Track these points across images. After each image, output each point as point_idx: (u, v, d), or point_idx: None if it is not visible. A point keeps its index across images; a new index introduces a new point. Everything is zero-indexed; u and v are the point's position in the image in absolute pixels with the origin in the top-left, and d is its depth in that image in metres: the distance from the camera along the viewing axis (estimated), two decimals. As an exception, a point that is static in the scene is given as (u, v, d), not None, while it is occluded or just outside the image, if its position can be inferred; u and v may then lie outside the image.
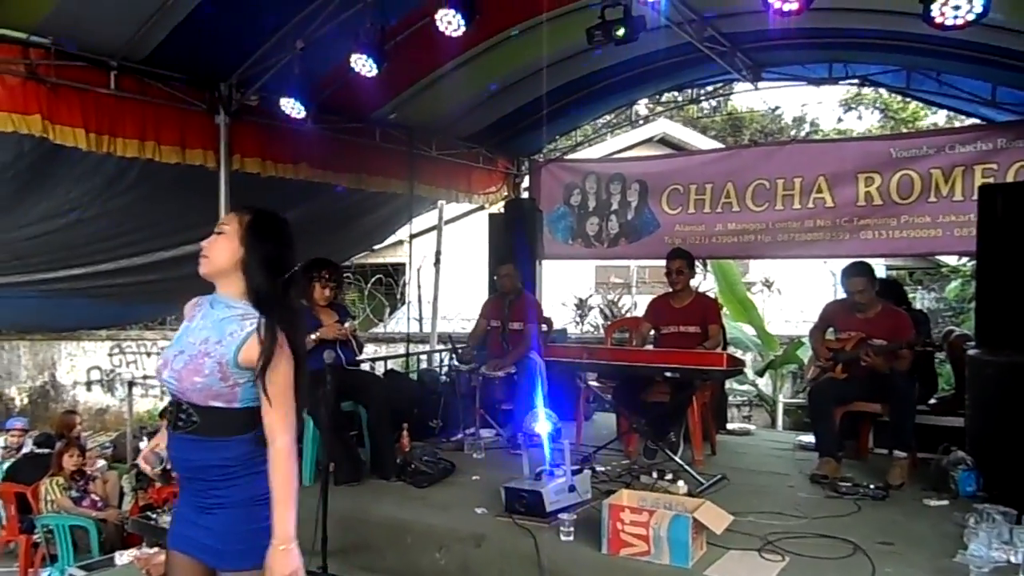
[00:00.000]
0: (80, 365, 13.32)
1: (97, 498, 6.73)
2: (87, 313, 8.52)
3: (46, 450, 7.37)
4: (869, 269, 4.93)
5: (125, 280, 6.78)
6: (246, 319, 2.23)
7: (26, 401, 13.41)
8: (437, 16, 4.56)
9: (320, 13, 4.78)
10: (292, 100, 5.15)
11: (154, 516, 5.29)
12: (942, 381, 6.43)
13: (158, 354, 9.99)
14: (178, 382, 2.24)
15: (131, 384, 9.42)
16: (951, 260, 11.48)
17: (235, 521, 2.25)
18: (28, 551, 6.40)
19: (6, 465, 7.45)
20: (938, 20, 3.76)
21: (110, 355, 13.24)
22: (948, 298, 11.69)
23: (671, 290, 5.64)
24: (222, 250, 2.27)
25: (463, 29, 4.60)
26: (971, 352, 4.72)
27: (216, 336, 2.23)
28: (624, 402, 5.34)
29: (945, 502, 4.23)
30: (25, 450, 7.93)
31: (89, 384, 13.20)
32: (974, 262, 6.89)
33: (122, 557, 4.77)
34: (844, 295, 5.05)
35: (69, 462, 6.65)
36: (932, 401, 5.79)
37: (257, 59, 5.14)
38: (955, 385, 5.98)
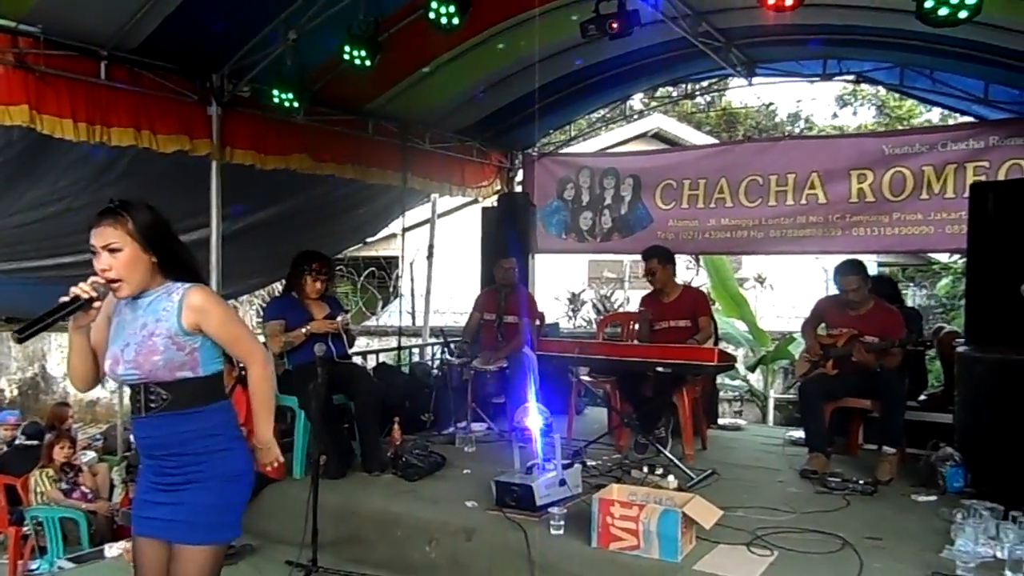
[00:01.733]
0: (70, 356, 13.26)
1: (87, 490, 6.71)
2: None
3: (36, 442, 7.33)
4: (862, 267, 4.94)
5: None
6: (171, 292, 2.34)
7: (16, 393, 13.36)
8: (431, 9, 4.53)
9: (313, 4, 4.75)
10: (284, 92, 5.12)
11: (144, 508, 5.28)
12: (932, 377, 6.46)
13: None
14: (138, 369, 2.30)
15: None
16: (942, 257, 11.53)
17: (208, 494, 2.33)
18: (17, 543, 6.37)
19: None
20: (931, 17, 3.76)
21: (101, 346, 13.18)
22: (939, 295, 11.76)
23: (654, 288, 5.66)
24: (133, 268, 2.29)
25: (457, 22, 4.58)
26: (961, 349, 4.74)
27: (153, 316, 2.32)
28: (627, 397, 5.34)
29: (933, 498, 4.25)
30: (16, 443, 7.88)
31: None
32: (965, 259, 6.92)
33: (112, 549, 4.76)
34: (836, 291, 5.07)
35: (59, 454, 6.62)
36: (922, 397, 5.82)
37: (250, 50, 5.10)
38: (945, 382, 6.01)
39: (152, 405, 2.31)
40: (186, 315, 2.30)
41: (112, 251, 2.27)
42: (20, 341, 2.23)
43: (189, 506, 2.32)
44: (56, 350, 13.29)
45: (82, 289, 2.24)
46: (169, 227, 2.38)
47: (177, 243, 2.41)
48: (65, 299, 2.23)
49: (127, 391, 2.44)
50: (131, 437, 8.06)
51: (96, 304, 2.28)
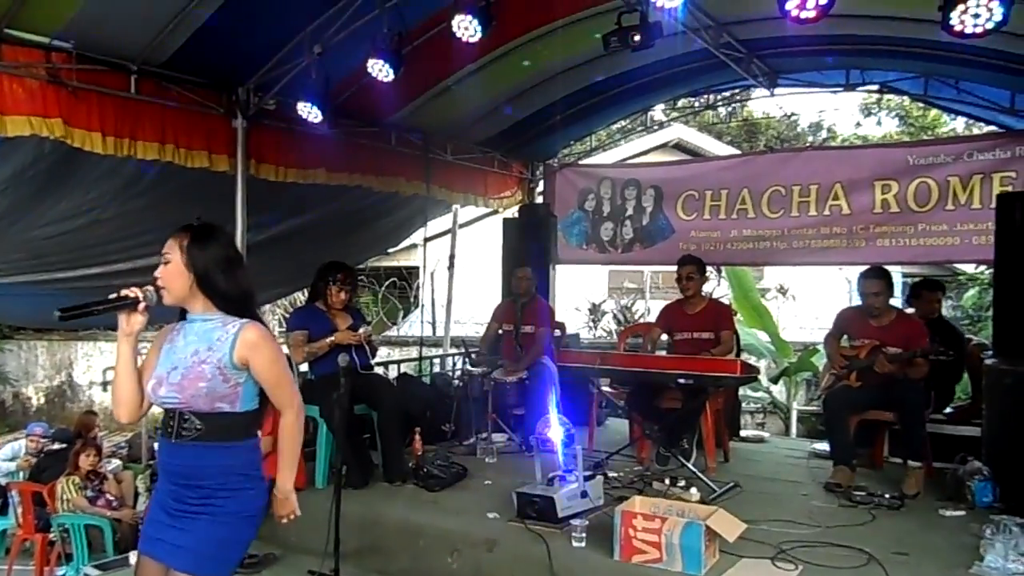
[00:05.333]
0: (96, 365, 13.43)
1: (112, 498, 6.78)
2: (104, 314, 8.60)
3: (66, 445, 7.45)
4: (887, 275, 4.90)
5: (140, 280, 6.81)
6: (227, 324, 2.37)
7: (43, 400, 13.55)
8: (454, 22, 4.57)
9: (338, 19, 4.81)
10: (309, 104, 5.17)
11: (168, 516, 5.33)
12: (959, 390, 6.37)
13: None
14: (180, 393, 2.32)
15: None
16: (968, 268, 11.38)
17: (221, 528, 2.34)
18: (44, 550, 6.45)
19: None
20: (957, 28, 3.73)
21: (127, 355, 13.33)
22: (965, 306, 11.59)
23: (684, 296, 5.63)
24: (174, 279, 2.38)
25: (479, 35, 4.61)
26: (989, 361, 4.68)
27: (206, 344, 2.35)
28: (638, 408, 5.33)
29: (961, 512, 4.20)
30: (47, 449, 7.96)
31: (105, 384, 13.30)
32: (992, 270, 6.83)
33: (136, 557, 4.80)
34: (858, 303, 5.02)
35: (85, 462, 6.71)
36: (948, 410, 5.75)
37: (275, 64, 5.17)
38: (972, 394, 5.93)
39: (184, 432, 2.33)
40: (239, 349, 2.33)
41: (165, 260, 2.39)
42: (63, 319, 2.28)
43: (199, 537, 2.32)
44: (82, 359, 13.47)
45: (131, 290, 2.34)
46: (225, 258, 2.41)
47: (226, 276, 2.39)
48: (114, 295, 2.33)
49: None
50: (154, 445, 8.18)
51: (141, 307, 2.34)
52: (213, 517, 2.33)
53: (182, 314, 2.45)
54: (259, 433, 2.54)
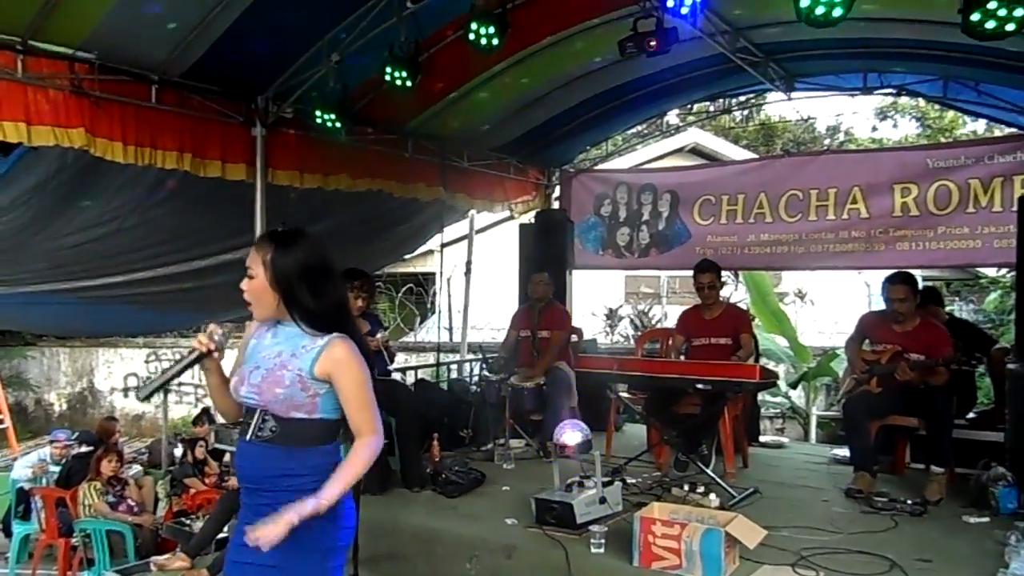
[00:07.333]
0: (117, 372, 13.57)
1: (133, 503, 6.85)
2: (125, 320, 8.69)
3: (92, 447, 7.53)
4: (913, 280, 4.87)
5: (162, 288, 6.90)
6: (317, 335, 2.27)
7: (65, 407, 13.70)
8: (470, 30, 4.59)
9: (355, 27, 4.85)
10: (327, 112, 5.22)
11: (188, 522, 5.39)
12: (981, 395, 6.31)
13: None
14: (259, 395, 2.26)
15: (166, 391, 9.56)
16: (990, 271, 11.26)
17: (298, 537, 2.14)
18: (67, 554, 6.53)
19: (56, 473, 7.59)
20: (978, 30, 3.70)
21: (146, 362, 13.47)
22: (987, 310, 11.47)
23: (702, 302, 5.62)
24: (260, 297, 2.27)
25: (496, 42, 4.63)
26: (1011, 366, 4.63)
27: (290, 350, 2.27)
28: (655, 414, 5.32)
29: (985, 519, 4.15)
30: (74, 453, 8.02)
31: (126, 391, 13.44)
32: (1014, 273, 6.76)
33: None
34: (879, 306, 4.98)
35: (107, 467, 6.78)
36: (971, 415, 5.69)
37: (293, 72, 5.22)
38: (995, 399, 5.86)
39: (261, 433, 2.25)
40: (323, 362, 2.22)
41: (249, 275, 2.29)
42: (144, 400, 2.34)
43: (281, 549, 2.10)
44: (103, 365, 13.62)
45: (199, 342, 2.29)
46: (311, 270, 2.25)
47: (313, 292, 2.24)
48: (186, 360, 2.31)
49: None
50: (175, 451, 8.26)
51: (215, 355, 2.31)
52: (295, 529, 2.12)
53: None
54: (339, 441, 2.38)
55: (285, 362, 2.25)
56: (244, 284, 2.30)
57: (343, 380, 2.24)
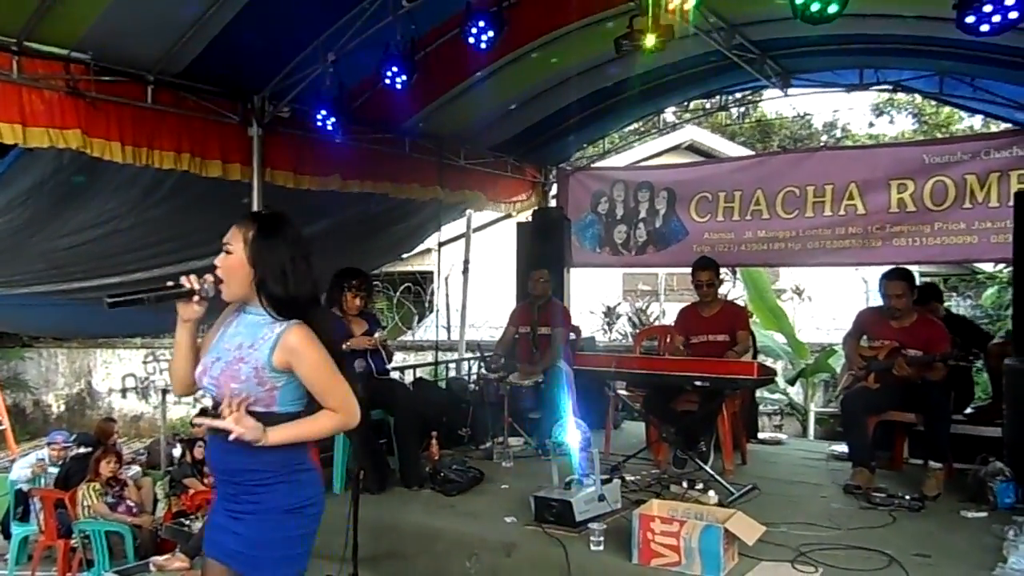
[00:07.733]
0: (115, 372, 13.57)
1: (132, 504, 6.85)
2: (122, 321, 8.68)
3: (90, 449, 7.52)
4: (910, 276, 4.87)
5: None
6: (276, 322, 2.25)
7: (63, 408, 13.69)
8: (466, 28, 4.59)
9: (351, 26, 4.84)
10: (323, 112, 5.21)
11: (187, 522, 5.39)
12: (979, 390, 6.32)
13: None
14: (217, 388, 2.27)
15: (165, 391, 9.57)
16: (987, 266, 11.28)
17: (266, 528, 2.27)
18: (66, 556, 6.52)
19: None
20: (972, 26, 3.71)
21: (144, 363, 13.48)
22: (984, 305, 11.49)
23: (699, 299, 5.62)
24: (234, 274, 2.26)
25: (492, 40, 4.62)
26: (1009, 361, 4.64)
27: (249, 340, 2.27)
28: (654, 411, 5.32)
29: (983, 514, 4.16)
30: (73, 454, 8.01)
31: (124, 391, 13.44)
32: (1011, 269, 6.77)
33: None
34: (875, 303, 4.99)
35: (106, 468, 6.78)
36: (969, 410, 5.70)
37: (289, 72, 5.21)
38: (992, 394, 5.87)
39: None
40: (279, 352, 2.21)
41: (226, 250, 2.28)
42: (111, 306, 2.20)
43: (250, 540, 2.26)
44: (101, 366, 13.61)
45: (188, 279, 2.26)
46: (291, 258, 2.26)
47: (286, 281, 2.24)
48: (171, 283, 2.26)
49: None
50: (173, 452, 8.26)
51: (196, 299, 2.27)
52: (258, 517, 2.26)
53: None
54: None
55: (243, 355, 2.24)
56: (219, 259, 2.28)
57: (302, 367, 2.23)
